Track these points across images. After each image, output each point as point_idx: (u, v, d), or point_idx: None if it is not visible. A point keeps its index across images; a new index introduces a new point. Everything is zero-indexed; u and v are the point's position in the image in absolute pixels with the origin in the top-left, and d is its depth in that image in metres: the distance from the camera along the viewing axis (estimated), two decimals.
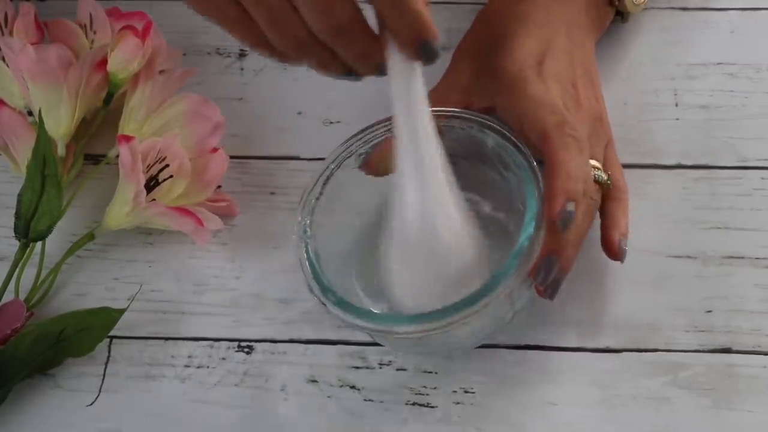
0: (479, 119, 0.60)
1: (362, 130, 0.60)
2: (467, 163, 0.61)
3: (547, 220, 0.56)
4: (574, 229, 0.57)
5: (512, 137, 0.59)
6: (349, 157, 0.60)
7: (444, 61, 0.66)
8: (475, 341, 0.60)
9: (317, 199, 0.59)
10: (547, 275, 0.57)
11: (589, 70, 0.64)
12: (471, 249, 0.56)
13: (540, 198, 0.56)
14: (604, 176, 0.60)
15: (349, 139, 0.60)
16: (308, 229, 0.58)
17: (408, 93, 0.53)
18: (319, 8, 0.50)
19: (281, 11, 0.51)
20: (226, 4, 0.52)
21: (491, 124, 0.59)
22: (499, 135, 0.59)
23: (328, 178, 0.59)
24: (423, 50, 0.51)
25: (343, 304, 0.55)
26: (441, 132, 0.61)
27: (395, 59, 0.52)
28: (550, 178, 0.57)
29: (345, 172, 0.60)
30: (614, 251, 0.60)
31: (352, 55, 0.52)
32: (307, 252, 0.57)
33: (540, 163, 0.57)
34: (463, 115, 0.60)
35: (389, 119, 0.58)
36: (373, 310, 0.58)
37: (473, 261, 0.56)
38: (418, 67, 0.53)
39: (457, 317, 0.54)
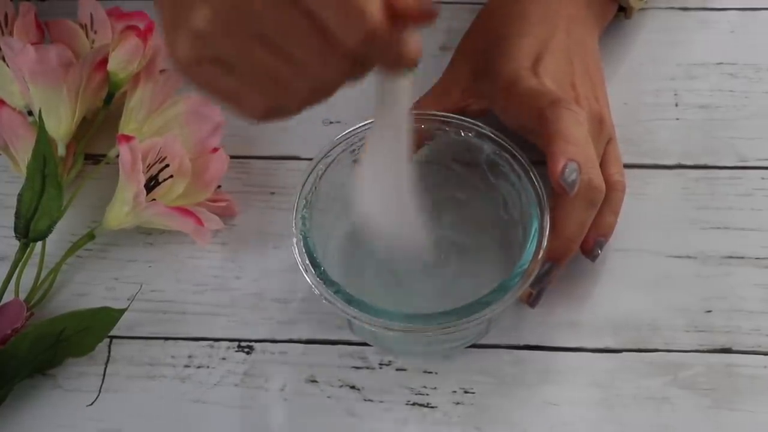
0: (477, 127, 0.60)
1: (357, 127, 0.60)
2: (456, 169, 0.62)
3: (553, 185, 0.56)
4: (578, 191, 0.56)
5: (509, 146, 0.59)
6: (342, 152, 0.60)
7: (444, 60, 0.66)
8: (452, 347, 0.60)
9: (311, 192, 0.59)
10: (540, 282, 0.57)
11: (588, 67, 0.64)
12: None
13: (540, 227, 0.56)
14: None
15: (343, 135, 0.60)
16: (307, 222, 0.58)
17: (395, 99, 0.50)
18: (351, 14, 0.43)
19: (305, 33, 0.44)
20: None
21: (489, 133, 0.59)
22: (496, 144, 0.59)
23: (321, 173, 0.59)
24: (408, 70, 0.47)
25: (341, 293, 0.55)
26: (430, 136, 0.61)
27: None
28: (549, 146, 0.56)
29: (340, 167, 0.60)
30: (585, 249, 0.59)
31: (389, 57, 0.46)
32: (305, 242, 0.57)
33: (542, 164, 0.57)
34: (462, 122, 0.60)
35: None
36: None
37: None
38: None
39: (450, 326, 0.54)
